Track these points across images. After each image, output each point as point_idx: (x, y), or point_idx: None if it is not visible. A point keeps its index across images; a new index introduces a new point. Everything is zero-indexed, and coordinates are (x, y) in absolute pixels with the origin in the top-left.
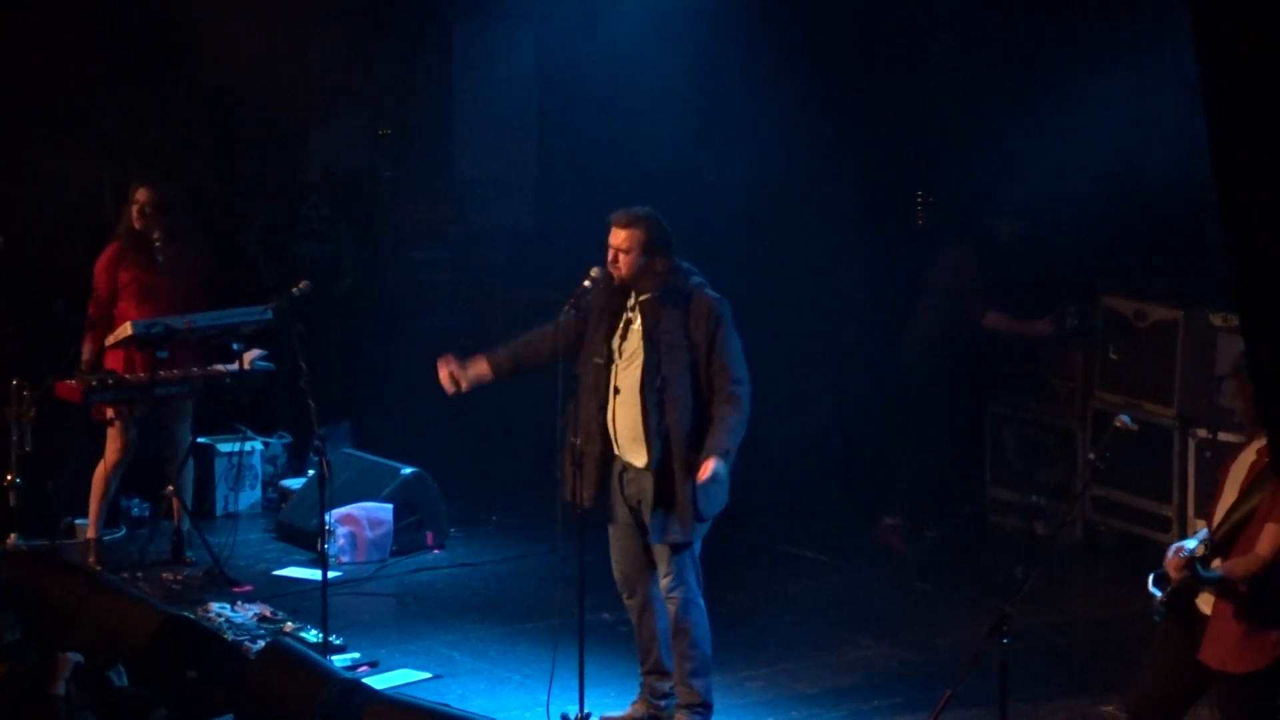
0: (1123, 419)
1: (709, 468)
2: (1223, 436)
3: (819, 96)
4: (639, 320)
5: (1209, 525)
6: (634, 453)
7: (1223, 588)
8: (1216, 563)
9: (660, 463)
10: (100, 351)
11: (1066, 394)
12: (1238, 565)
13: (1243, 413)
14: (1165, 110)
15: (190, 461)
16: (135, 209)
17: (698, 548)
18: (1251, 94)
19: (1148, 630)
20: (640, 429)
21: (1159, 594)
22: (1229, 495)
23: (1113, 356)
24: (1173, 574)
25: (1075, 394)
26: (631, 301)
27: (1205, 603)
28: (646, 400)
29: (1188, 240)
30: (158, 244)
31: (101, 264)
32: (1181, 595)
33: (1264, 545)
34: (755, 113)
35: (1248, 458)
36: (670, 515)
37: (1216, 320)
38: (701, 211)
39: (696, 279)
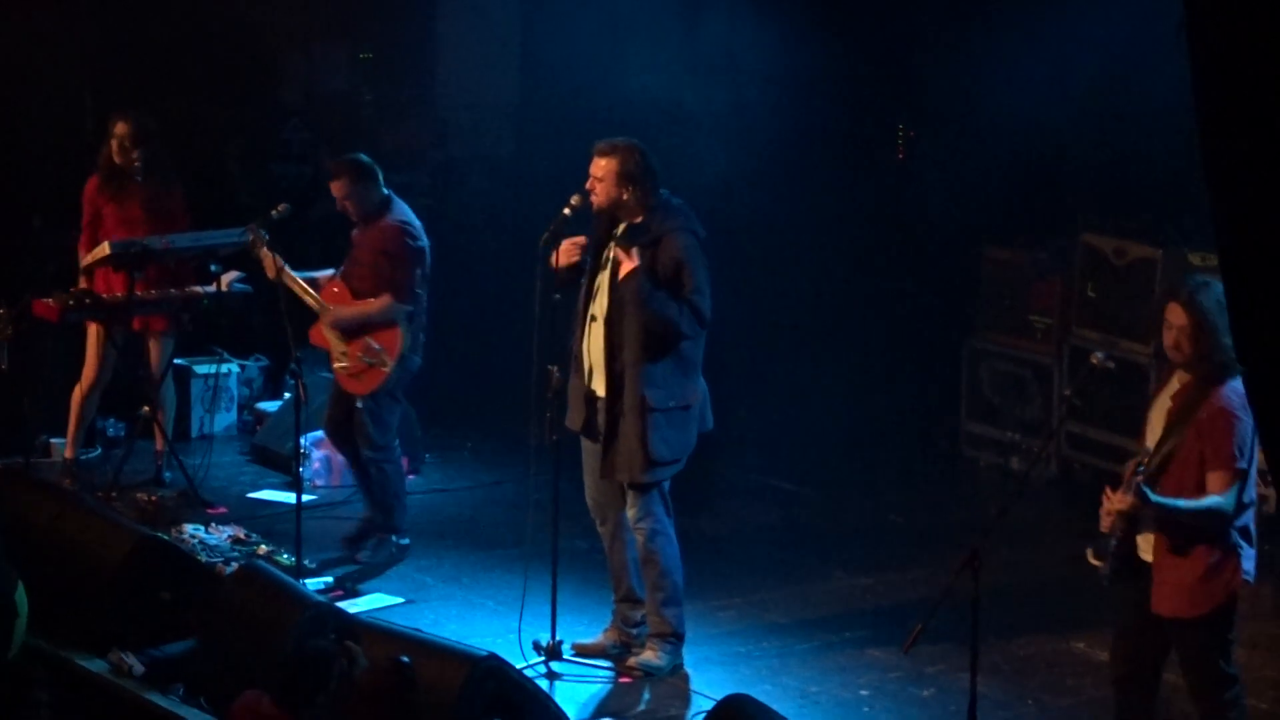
0: (1099, 356)
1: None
2: None
3: (805, 28)
4: (611, 255)
5: (1142, 461)
6: (598, 382)
7: (1164, 532)
8: None
9: (614, 400)
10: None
11: (1044, 330)
12: (1188, 500)
13: (1172, 347)
14: (1149, 47)
15: (171, 386)
16: (115, 143)
17: (667, 485)
18: (1235, 33)
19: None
20: (604, 360)
21: (1104, 555)
22: (1155, 433)
23: (1091, 294)
24: (1119, 506)
25: (1052, 330)
26: (617, 232)
27: (1146, 551)
28: (610, 336)
29: (1169, 179)
30: (138, 177)
31: (86, 192)
32: (1125, 548)
33: (1215, 488)
34: (740, 43)
35: (1165, 401)
36: (620, 454)
37: (1195, 259)
38: (683, 141)
39: (678, 220)
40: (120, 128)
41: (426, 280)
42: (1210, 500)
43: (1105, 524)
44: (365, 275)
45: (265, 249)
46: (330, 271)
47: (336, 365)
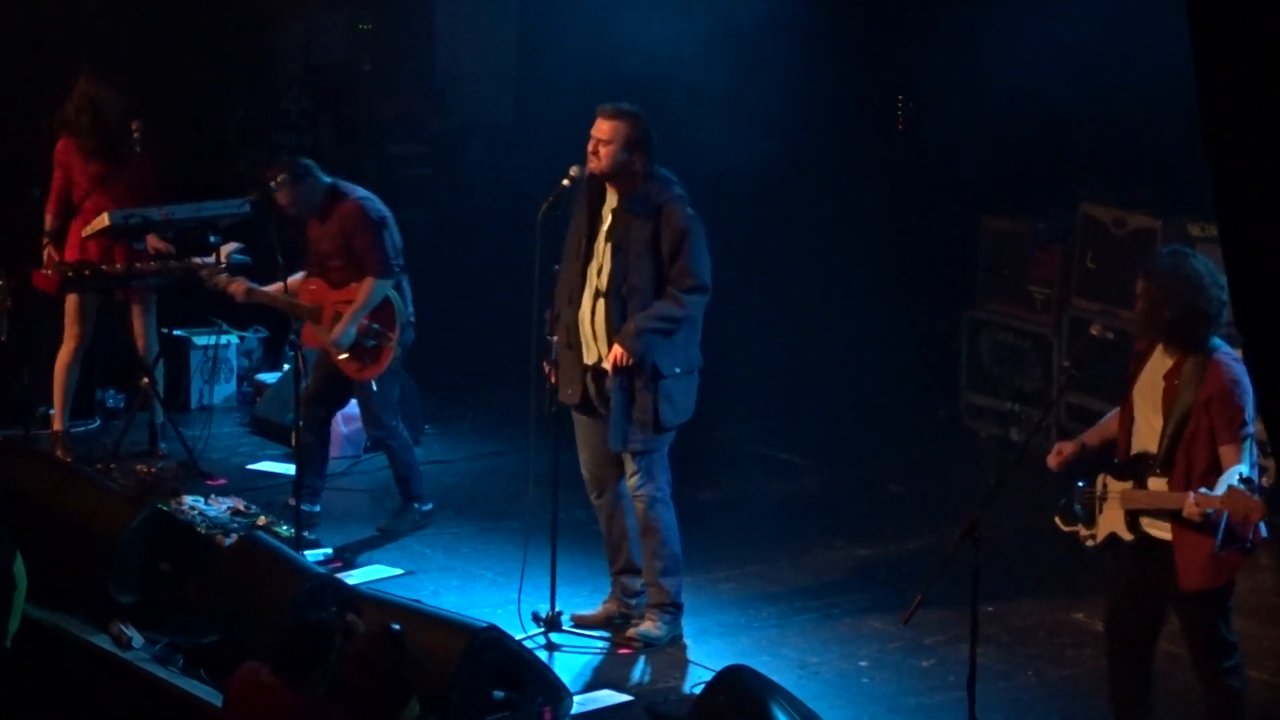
0: (1099, 326)
1: (611, 353)
2: None
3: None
4: (609, 225)
5: (1125, 450)
6: (602, 352)
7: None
8: (1161, 483)
9: (620, 368)
10: (63, 231)
11: (1043, 300)
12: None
13: (1142, 317)
14: (1148, 16)
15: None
16: (74, 107)
17: (665, 450)
18: (1236, 2)
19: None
20: (606, 332)
21: (1072, 519)
22: (1151, 419)
23: (1090, 264)
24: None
25: (1052, 301)
26: (610, 204)
27: (1159, 529)
28: (611, 306)
29: (1168, 148)
30: (106, 139)
31: (56, 155)
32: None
33: (1231, 460)
34: (740, 13)
35: (1154, 381)
36: (629, 423)
37: (1195, 230)
38: (681, 109)
39: (676, 189)
40: (80, 94)
41: (400, 251)
42: (1232, 475)
43: (1053, 461)
44: (338, 264)
45: (223, 276)
46: (300, 275)
47: (342, 361)
